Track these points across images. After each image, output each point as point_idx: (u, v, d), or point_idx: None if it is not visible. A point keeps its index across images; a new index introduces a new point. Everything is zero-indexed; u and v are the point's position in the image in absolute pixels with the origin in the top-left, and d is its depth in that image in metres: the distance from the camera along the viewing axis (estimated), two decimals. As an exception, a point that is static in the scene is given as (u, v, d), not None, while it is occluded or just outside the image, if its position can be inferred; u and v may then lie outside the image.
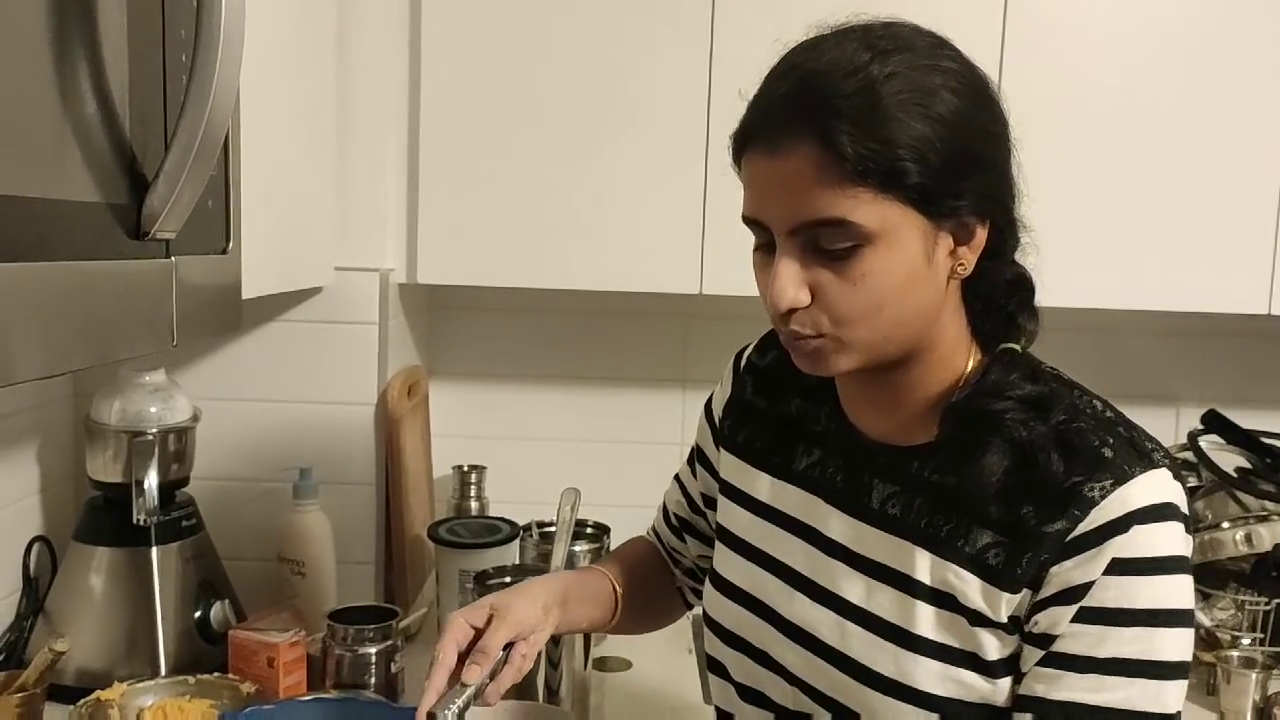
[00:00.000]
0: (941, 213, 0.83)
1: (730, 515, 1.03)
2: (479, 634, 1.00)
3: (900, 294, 0.83)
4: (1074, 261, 1.61)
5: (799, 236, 0.83)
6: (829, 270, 0.82)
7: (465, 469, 1.93)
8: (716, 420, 1.10)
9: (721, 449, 1.07)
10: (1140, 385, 1.99)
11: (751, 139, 0.85)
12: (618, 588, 1.13)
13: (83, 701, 1.31)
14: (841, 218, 0.80)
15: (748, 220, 0.87)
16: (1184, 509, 0.84)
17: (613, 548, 1.78)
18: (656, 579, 1.21)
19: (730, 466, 1.05)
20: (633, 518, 1.92)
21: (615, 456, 2.02)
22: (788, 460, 0.99)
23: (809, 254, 0.83)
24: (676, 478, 1.20)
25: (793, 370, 0.91)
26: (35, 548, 1.53)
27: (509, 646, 1.00)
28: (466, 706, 0.99)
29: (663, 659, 1.69)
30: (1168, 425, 1.99)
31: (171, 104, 0.79)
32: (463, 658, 0.98)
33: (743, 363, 1.09)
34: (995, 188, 0.86)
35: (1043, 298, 0.92)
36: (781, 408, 1.01)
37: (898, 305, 0.83)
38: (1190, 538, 0.84)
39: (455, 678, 0.99)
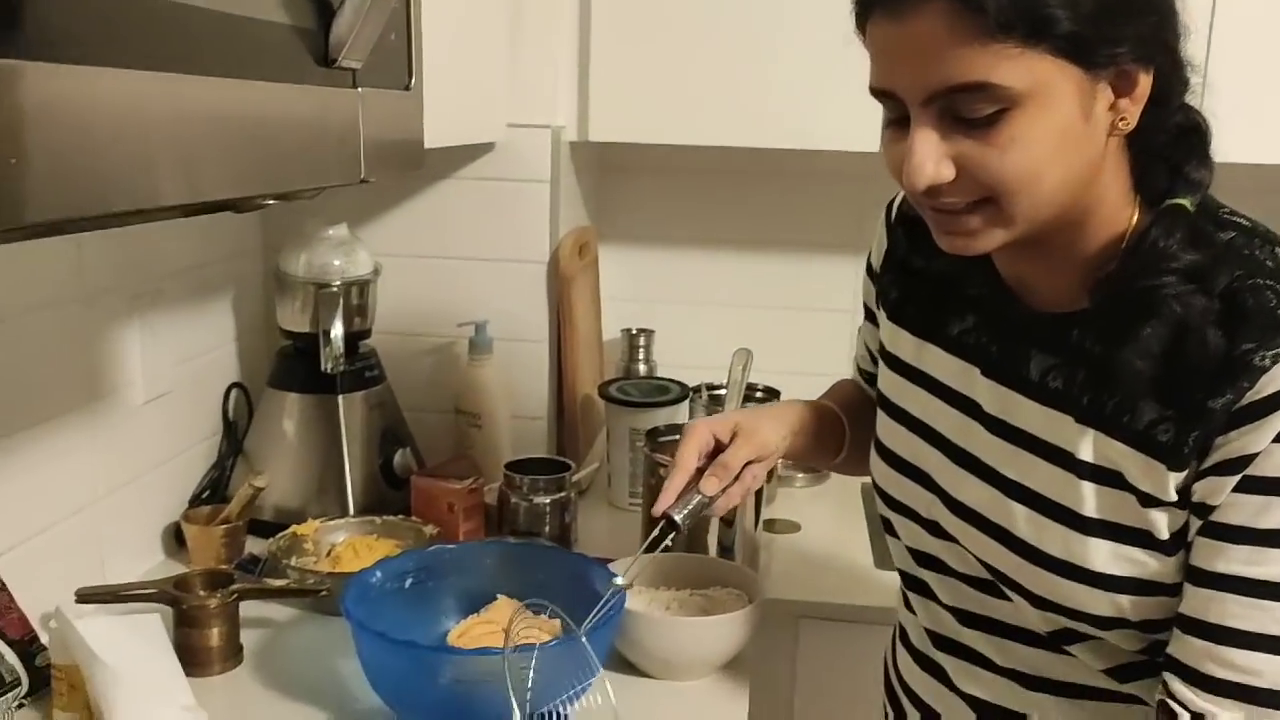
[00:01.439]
0: (1098, 63, 0.73)
1: (889, 381, 0.99)
2: (719, 447, 1.03)
3: (1056, 158, 0.75)
4: (1248, 109, 1.47)
5: (934, 105, 0.74)
6: (972, 139, 0.74)
7: (634, 332, 1.93)
8: (875, 278, 1.05)
9: (881, 309, 1.03)
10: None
11: (874, 1, 0.76)
12: (846, 424, 1.11)
13: (280, 535, 1.39)
14: (982, 80, 0.72)
15: (876, 92, 0.79)
16: None
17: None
18: (872, 420, 1.18)
19: (888, 330, 1.00)
20: (804, 385, 1.89)
21: (786, 323, 1.98)
22: (943, 325, 0.93)
23: (947, 124, 0.75)
24: (860, 332, 1.16)
25: None
26: (233, 393, 1.61)
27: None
28: (698, 513, 1.03)
29: (832, 523, 1.68)
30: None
31: (355, -71, 0.78)
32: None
33: (893, 214, 1.02)
34: (1158, 28, 0.76)
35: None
36: (936, 267, 0.93)
37: (1054, 171, 0.75)
38: None
39: (692, 485, 1.02)
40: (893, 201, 1.03)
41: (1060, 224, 0.79)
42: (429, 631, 1.19)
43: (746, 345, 1.42)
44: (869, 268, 1.07)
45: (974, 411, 0.88)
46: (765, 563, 1.55)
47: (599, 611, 1.04)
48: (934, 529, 0.92)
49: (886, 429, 0.99)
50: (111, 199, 0.50)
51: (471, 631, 1.16)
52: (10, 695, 1.09)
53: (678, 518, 1.02)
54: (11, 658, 1.10)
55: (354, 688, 1.15)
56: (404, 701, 1.09)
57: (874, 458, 1.01)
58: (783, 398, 1.78)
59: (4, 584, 1.14)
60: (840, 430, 1.11)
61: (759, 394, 1.78)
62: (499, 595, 1.21)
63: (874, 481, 1.01)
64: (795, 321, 1.98)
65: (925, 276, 0.95)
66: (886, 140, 0.81)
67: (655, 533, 1.03)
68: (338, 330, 1.49)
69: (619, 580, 1.05)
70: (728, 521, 1.43)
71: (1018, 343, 0.86)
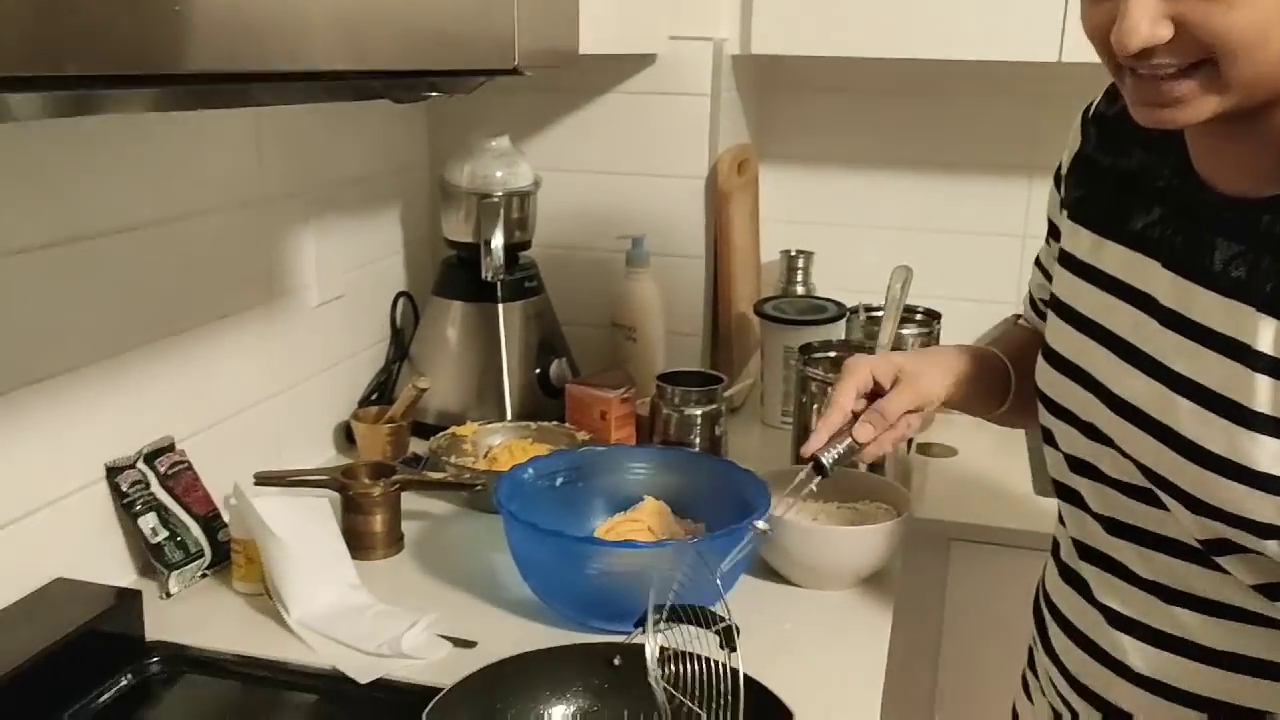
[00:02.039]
0: None
1: (1064, 284, 0.95)
2: (877, 389, 1.01)
3: None
4: None
5: None
6: None
7: (793, 253, 1.90)
8: (1061, 181, 1.00)
9: (1064, 213, 0.98)
10: None
11: None
12: (1013, 374, 1.07)
13: (440, 434, 1.45)
14: None
15: None
16: None
17: (942, 339, 1.73)
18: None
19: (1067, 230, 0.96)
20: (966, 312, 1.85)
21: (951, 247, 1.92)
22: (1124, 220, 0.88)
23: None
24: (1037, 260, 1.11)
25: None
26: (400, 302, 1.68)
27: None
28: (847, 458, 1.01)
29: (991, 450, 1.63)
30: None
31: None
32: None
33: (1090, 113, 0.97)
34: None
35: None
36: (1123, 162, 0.90)
37: None
38: None
39: (845, 427, 1.01)
40: (1090, 104, 0.99)
41: (1273, 98, 0.74)
42: (577, 528, 1.22)
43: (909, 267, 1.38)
44: (1056, 176, 1.03)
45: (1148, 306, 0.84)
46: (919, 484, 1.52)
47: (737, 554, 1.03)
48: (1091, 431, 0.89)
49: (1055, 332, 0.95)
50: (272, 55, 0.52)
51: (618, 528, 1.19)
52: (195, 565, 1.17)
53: (826, 461, 1.01)
54: (197, 531, 1.19)
55: (505, 579, 1.20)
56: (551, 591, 1.12)
57: (1040, 364, 0.97)
58: (943, 322, 1.74)
59: (190, 464, 1.23)
60: (1005, 380, 1.07)
61: (919, 315, 1.74)
62: (646, 497, 1.23)
63: (1037, 389, 0.98)
64: (960, 245, 1.91)
65: (1111, 173, 0.91)
66: (1088, 3, 0.77)
67: (801, 476, 1.02)
68: (498, 240, 1.52)
69: (760, 524, 1.03)
70: (879, 440, 1.40)
71: (1203, 232, 0.81)
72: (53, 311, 1.05)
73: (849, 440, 1.01)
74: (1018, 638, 1.10)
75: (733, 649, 0.87)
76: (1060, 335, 0.94)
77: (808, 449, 1.01)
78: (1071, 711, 0.96)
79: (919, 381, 1.01)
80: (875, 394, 1.02)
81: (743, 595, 1.13)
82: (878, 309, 1.64)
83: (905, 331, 1.68)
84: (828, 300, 1.74)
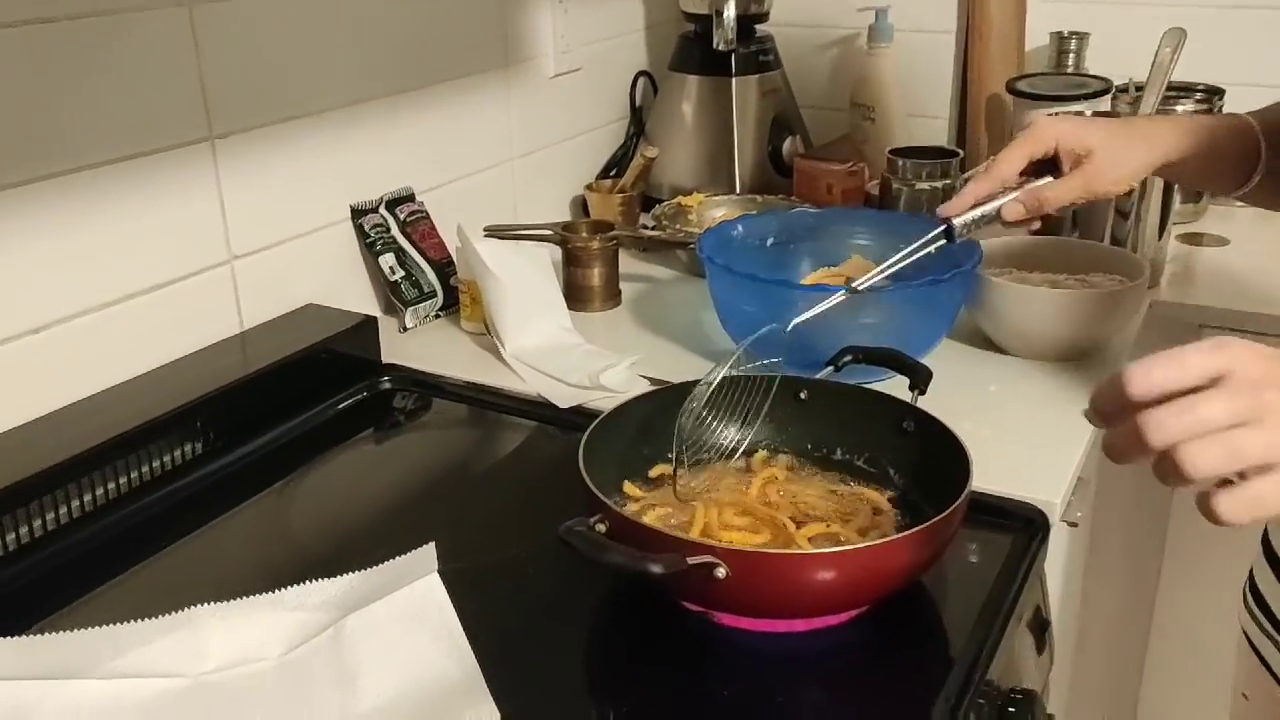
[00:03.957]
0: None
1: None
2: (1053, 160, 0.94)
3: None
4: None
5: None
6: None
7: (1064, 35, 1.75)
8: None
9: None
10: None
11: None
12: (1263, 146, 0.94)
13: (666, 203, 1.48)
14: None
15: None
16: None
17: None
18: None
19: None
20: (1250, 97, 1.64)
21: (1247, 23, 1.69)
22: None
23: None
24: None
25: None
26: (639, 80, 1.70)
27: None
28: (982, 226, 0.96)
29: (1274, 244, 1.47)
30: None
31: None
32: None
33: None
34: None
35: None
36: None
37: None
38: None
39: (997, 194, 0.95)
40: None
41: None
42: (782, 284, 1.22)
43: (1198, 48, 1.24)
44: None
45: None
46: (1176, 272, 1.40)
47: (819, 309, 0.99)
48: None
49: None
50: None
51: (820, 281, 1.18)
52: (428, 305, 1.28)
53: (957, 226, 0.95)
54: (431, 275, 1.29)
55: (713, 334, 1.22)
56: (745, 335, 1.13)
57: None
58: (1228, 95, 1.55)
59: (428, 214, 1.32)
60: (1253, 153, 0.94)
61: (1199, 90, 1.56)
62: (853, 255, 1.21)
63: None
64: (1257, 23, 1.68)
65: None
66: None
67: (927, 238, 0.96)
68: (730, 10, 1.50)
69: (853, 285, 0.98)
70: (1123, 213, 1.30)
71: None
72: (298, 52, 1.14)
73: (993, 212, 0.94)
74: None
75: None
76: None
77: (946, 210, 0.95)
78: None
79: (1104, 171, 0.91)
80: (1051, 164, 0.94)
81: (947, 358, 1.10)
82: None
83: (1180, 108, 1.52)
84: (1090, 76, 1.59)
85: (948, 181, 1.41)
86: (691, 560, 0.69)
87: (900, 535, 0.73)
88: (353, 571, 0.71)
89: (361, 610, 0.70)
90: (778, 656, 0.77)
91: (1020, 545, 0.87)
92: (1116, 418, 0.55)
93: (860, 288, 0.97)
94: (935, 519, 0.74)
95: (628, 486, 0.88)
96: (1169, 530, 1.43)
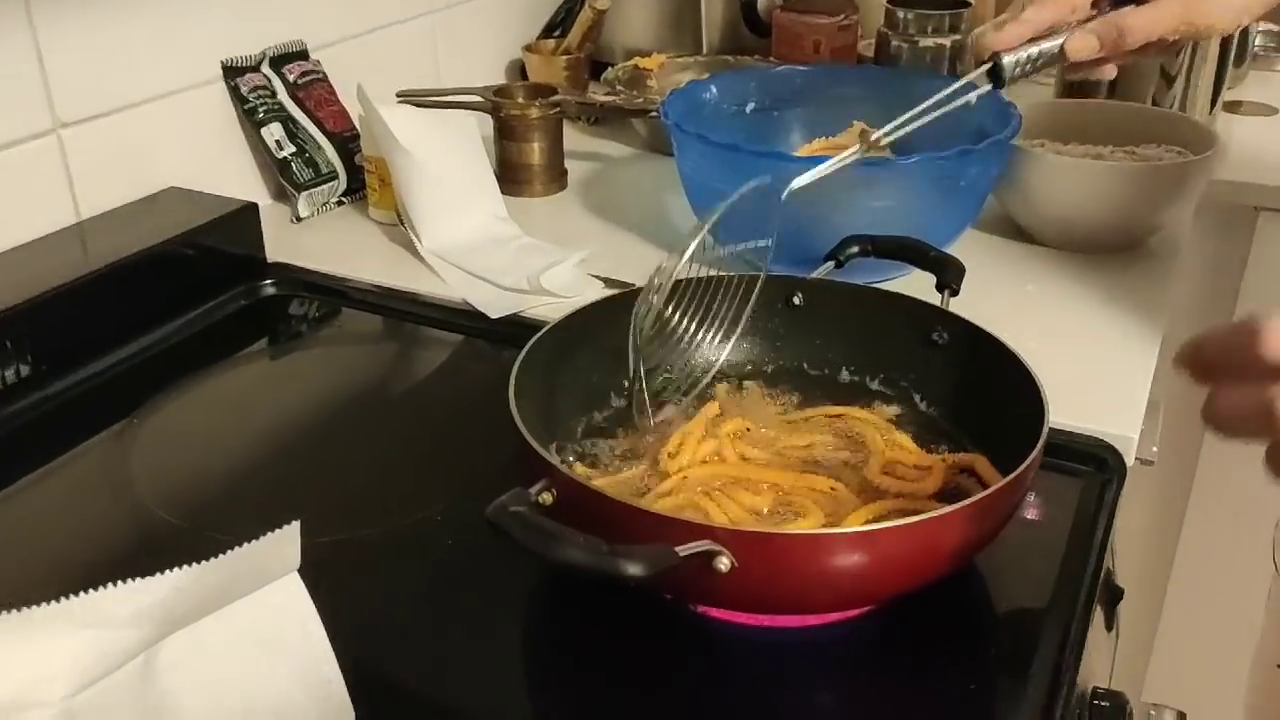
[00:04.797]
0: None
1: None
2: None
3: None
4: None
5: None
6: None
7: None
8: None
9: None
10: None
11: None
12: None
13: (620, 65, 1.23)
14: None
15: None
16: None
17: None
18: None
19: None
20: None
21: None
22: None
23: None
24: None
25: None
26: (587, -79, 1.43)
27: None
28: (1039, 67, 0.74)
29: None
30: None
31: None
32: None
33: None
34: None
35: None
36: None
37: None
38: None
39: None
40: None
41: None
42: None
43: None
44: None
45: None
46: (1220, 145, 1.19)
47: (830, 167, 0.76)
48: None
49: None
50: None
51: (822, 152, 0.95)
52: (327, 189, 1.03)
53: (1007, 64, 0.73)
54: (330, 151, 1.04)
55: (679, 221, 1.00)
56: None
57: None
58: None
59: (325, 76, 1.06)
60: None
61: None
62: (855, 121, 0.98)
63: None
64: None
65: None
66: None
67: (968, 77, 0.74)
68: None
69: (873, 138, 0.75)
70: (1169, 76, 1.08)
71: None
72: None
73: (1054, 48, 0.72)
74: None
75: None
76: None
77: (996, 41, 0.73)
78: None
79: (1200, 10, 0.71)
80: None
81: (970, 251, 0.88)
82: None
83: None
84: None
85: (957, 37, 1.18)
86: (684, 551, 0.47)
87: (971, 501, 0.52)
88: (209, 552, 0.48)
89: (186, 630, 0.47)
90: (778, 657, 0.57)
91: (1090, 495, 0.67)
92: (1226, 378, 0.41)
93: (882, 142, 0.74)
94: (1012, 475, 0.53)
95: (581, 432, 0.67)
96: (1196, 473, 1.26)
